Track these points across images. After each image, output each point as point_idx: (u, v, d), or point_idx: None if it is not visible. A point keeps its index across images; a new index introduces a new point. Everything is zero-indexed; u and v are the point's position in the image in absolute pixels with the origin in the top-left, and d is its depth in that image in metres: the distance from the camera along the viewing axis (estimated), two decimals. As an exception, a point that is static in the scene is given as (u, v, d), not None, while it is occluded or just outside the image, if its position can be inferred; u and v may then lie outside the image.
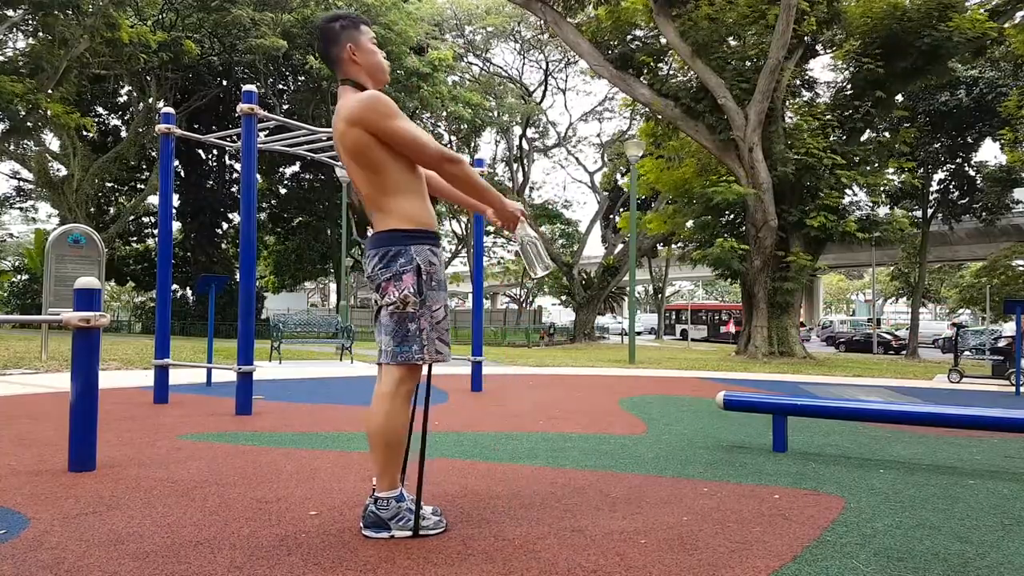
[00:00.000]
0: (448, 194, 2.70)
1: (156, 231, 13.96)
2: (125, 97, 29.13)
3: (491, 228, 34.63)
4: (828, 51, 19.40)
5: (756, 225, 16.95)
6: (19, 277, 30.22)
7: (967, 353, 11.42)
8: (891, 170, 19.81)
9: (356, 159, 2.33)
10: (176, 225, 28.17)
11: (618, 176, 32.66)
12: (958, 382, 10.26)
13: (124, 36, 20.91)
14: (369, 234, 2.44)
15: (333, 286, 50.58)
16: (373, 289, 2.40)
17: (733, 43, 18.54)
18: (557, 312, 55.07)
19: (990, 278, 24.27)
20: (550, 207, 40.86)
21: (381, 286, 2.35)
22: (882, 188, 19.15)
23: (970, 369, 11.50)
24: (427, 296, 2.34)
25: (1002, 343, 11.30)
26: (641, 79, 18.89)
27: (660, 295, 44.09)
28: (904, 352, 26.73)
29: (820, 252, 18.32)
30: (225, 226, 31.63)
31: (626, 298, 36.73)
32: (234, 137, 6.25)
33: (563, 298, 36.03)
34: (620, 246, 31.43)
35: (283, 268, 35.07)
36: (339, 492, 2.93)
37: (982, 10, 16.31)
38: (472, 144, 33.17)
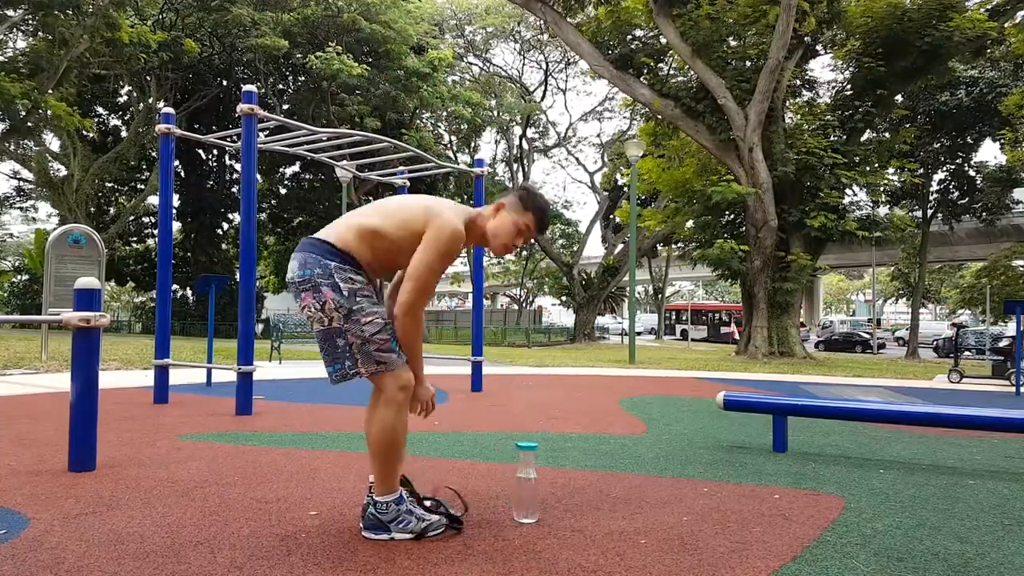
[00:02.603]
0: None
1: (156, 231, 13.95)
2: (125, 97, 29.14)
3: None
4: (828, 51, 19.40)
5: (756, 225, 16.95)
6: (19, 277, 30.27)
7: (967, 353, 11.42)
8: (891, 170, 19.81)
9: (400, 217, 2.30)
10: (176, 225, 28.17)
11: (618, 176, 32.62)
12: (958, 382, 10.26)
13: (124, 36, 20.93)
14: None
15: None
16: (293, 296, 2.31)
17: (733, 43, 18.55)
18: (557, 312, 55.05)
19: (990, 279, 24.23)
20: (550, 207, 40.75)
21: (301, 296, 2.26)
22: (882, 188, 19.15)
23: (970, 369, 11.50)
24: (352, 312, 2.21)
25: (1003, 343, 11.30)
26: (641, 79, 18.89)
27: (660, 295, 44.05)
28: (872, 350, 30.26)
29: (820, 252, 18.33)
30: (225, 226, 31.63)
31: (626, 298, 36.71)
32: (234, 137, 6.25)
33: (563, 298, 35.99)
34: (620, 246, 31.40)
35: (283, 268, 35.04)
36: (339, 492, 2.93)
37: (982, 10, 16.32)
38: (472, 144, 33.14)
